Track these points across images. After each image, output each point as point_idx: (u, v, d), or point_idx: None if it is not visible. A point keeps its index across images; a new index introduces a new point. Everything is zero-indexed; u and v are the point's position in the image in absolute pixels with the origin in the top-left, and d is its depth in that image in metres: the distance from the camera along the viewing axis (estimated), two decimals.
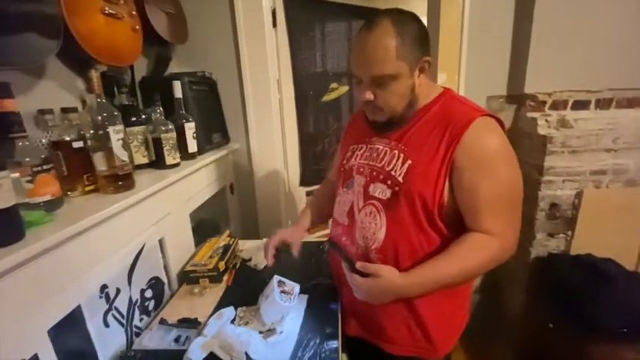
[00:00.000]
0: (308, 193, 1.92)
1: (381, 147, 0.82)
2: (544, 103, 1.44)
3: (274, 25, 1.54)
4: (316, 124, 1.79)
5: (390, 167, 0.77)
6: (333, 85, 1.80)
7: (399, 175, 0.75)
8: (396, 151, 0.78)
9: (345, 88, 1.84)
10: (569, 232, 1.44)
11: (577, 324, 1.21)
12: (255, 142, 1.59)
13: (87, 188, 0.80)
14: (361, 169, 0.83)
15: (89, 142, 0.79)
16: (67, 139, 0.77)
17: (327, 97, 1.79)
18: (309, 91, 1.73)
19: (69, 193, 0.78)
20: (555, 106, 1.44)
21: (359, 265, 0.73)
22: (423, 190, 0.72)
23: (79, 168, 0.78)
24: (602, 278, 1.22)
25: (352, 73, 0.79)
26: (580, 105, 1.42)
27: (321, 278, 0.96)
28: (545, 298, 1.39)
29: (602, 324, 1.15)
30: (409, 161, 0.75)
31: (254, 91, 1.52)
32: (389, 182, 0.76)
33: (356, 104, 1.92)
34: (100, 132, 0.78)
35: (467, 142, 0.69)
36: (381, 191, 0.78)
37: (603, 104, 1.42)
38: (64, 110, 0.80)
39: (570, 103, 1.43)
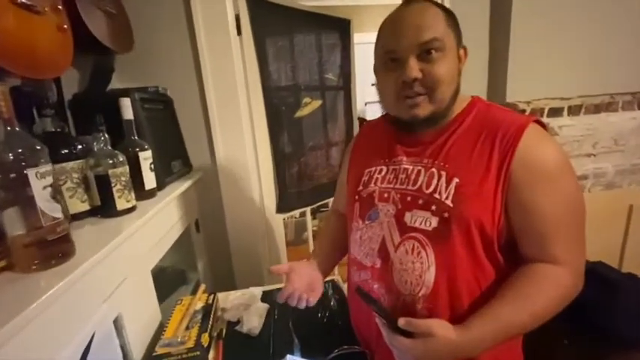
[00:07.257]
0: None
1: (411, 167, 0.67)
2: (524, 111, 1.44)
3: (239, 32, 1.33)
4: (291, 142, 1.60)
5: (431, 189, 0.62)
6: (306, 99, 1.63)
7: (446, 197, 0.60)
8: (434, 170, 0.63)
9: (318, 103, 1.68)
10: None
11: (593, 338, 1.15)
12: (223, 168, 1.35)
13: None
14: (386, 196, 0.68)
15: None
16: None
17: (300, 113, 1.62)
18: (281, 107, 1.53)
19: None
20: (534, 114, 1.45)
21: (402, 322, 0.56)
22: (480, 213, 0.58)
23: None
24: (606, 285, 1.19)
25: (385, 51, 0.63)
26: (555, 112, 1.45)
27: (345, 347, 0.74)
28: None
29: (618, 335, 1.10)
30: (456, 179, 0.61)
31: (220, 109, 1.30)
32: (433, 208, 0.61)
33: (332, 121, 1.77)
34: (12, 176, 0.51)
35: (523, 153, 0.58)
36: (423, 220, 0.62)
37: (574, 110, 1.47)
38: None
39: (546, 111, 1.45)
